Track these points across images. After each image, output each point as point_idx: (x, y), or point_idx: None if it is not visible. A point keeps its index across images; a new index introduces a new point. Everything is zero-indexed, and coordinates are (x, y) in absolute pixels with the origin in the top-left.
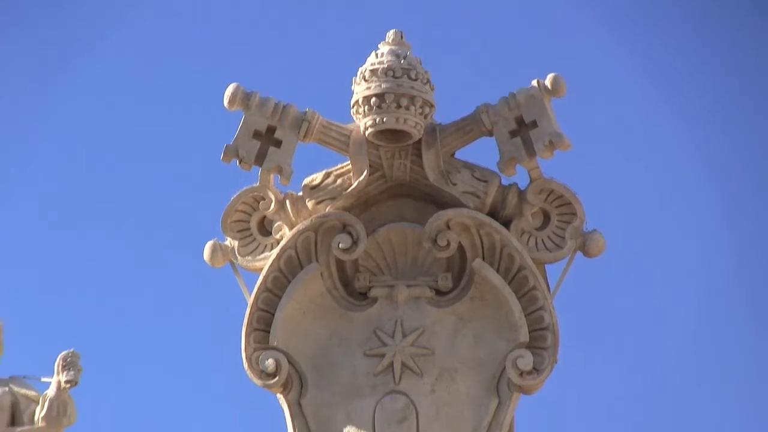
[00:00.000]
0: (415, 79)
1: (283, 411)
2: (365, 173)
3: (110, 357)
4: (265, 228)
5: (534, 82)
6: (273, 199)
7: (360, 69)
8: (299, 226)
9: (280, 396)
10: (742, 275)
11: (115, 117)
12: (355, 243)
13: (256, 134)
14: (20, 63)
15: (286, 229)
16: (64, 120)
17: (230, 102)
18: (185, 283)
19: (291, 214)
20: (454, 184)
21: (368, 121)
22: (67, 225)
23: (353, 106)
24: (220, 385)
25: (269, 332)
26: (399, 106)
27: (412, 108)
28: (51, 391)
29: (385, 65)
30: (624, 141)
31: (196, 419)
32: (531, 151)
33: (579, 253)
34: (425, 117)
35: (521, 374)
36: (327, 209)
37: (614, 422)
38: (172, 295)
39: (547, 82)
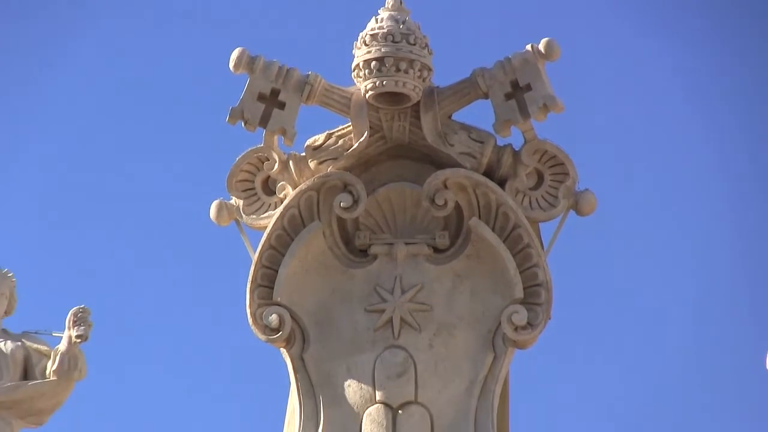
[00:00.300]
0: (414, 44)
1: (286, 366)
2: (365, 134)
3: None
4: (269, 187)
5: (528, 47)
6: (277, 159)
7: (360, 34)
8: (302, 186)
9: (283, 350)
10: (738, 234)
11: (115, 78)
12: (355, 202)
13: (261, 97)
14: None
15: (289, 188)
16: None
17: (236, 65)
18: (191, 244)
19: (294, 174)
20: (452, 145)
21: (368, 84)
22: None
23: (354, 70)
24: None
25: (273, 289)
26: (398, 70)
27: (411, 71)
28: (62, 346)
29: (385, 30)
30: (620, 104)
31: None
32: (525, 114)
33: (572, 212)
34: (423, 80)
35: (516, 329)
36: (329, 169)
37: (609, 364)
38: (176, 258)
39: (541, 47)
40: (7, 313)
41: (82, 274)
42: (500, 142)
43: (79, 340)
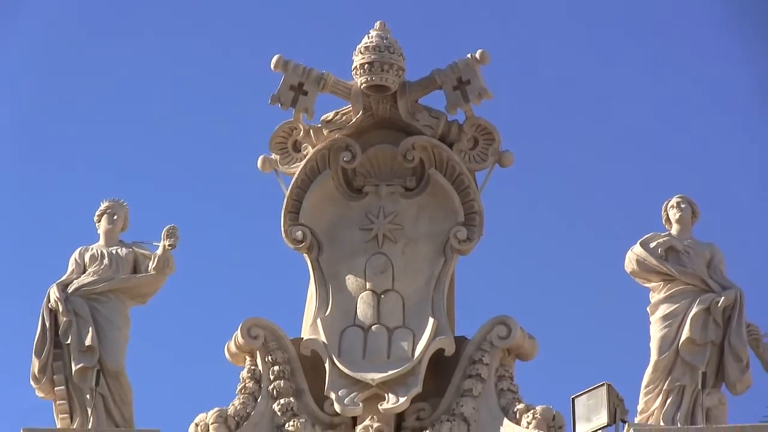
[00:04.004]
0: (393, 53)
1: (307, 267)
2: (360, 112)
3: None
4: (297, 147)
5: (469, 55)
6: (302, 129)
7: (358, 46)
8: (318, 146)
9: (305, 255)
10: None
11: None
12: (354, 157)
13: (292, 87)
14: None
15: (310, 148)
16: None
17: (275, 66)
18: (245, 185)
19: (313, 139)
20: (418, 120)
21: (363, 79)
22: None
23: (353, 70)
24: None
25: (299, 214)
26: (383, 70)
27: (391, 71)
28: (159, 251)
29: (374, 43)
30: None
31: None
32: (466, 100)
33: (497, 166)
34: (399, 77)
35: (459, 242)
36: (336, 136)
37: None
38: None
39: (477, 55)
40: (122, 229)
41: (171, 203)
42: (450, 119)
43: (170, 248)
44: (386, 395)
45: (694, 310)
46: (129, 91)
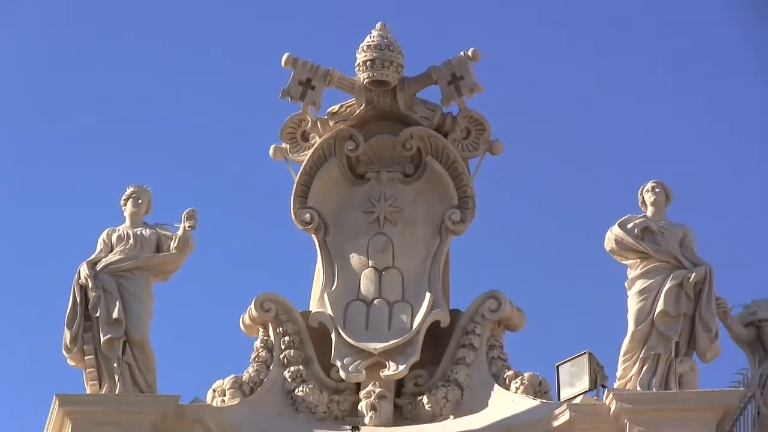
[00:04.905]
0: (393, 51)
1: (315, 247)
2: (363, 105)
3: None
4: (305, 137)
5: (462, 53)
6: (310, 120)
7: (361, 44)
8: (325, 136)
9: (313, 236)
10: None
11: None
12: (357, 146)
13: (300, 82)
14: None
15: (317, 138)
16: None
17: (285, 63)
18: (257, 172)
19: (320, 129)
20: (415, 112)
21: (365, 75)
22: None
23: (356, 66)
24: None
25: (307, 198)
26: (383, 66)
27: (391, 68)
28: (180, 232)
29: (375, 42)
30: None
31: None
32: (460, 93)
33: (488, 154)
34: (398, 73)
35: (453, 224)
36: (341, 126)
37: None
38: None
39: (470, 53)
40: (146, 212)
41: (191, 188)
42: (445, 111)
43: (189, 229)
44: (387, 363)
45: (668, 285)
46: (157, 87)
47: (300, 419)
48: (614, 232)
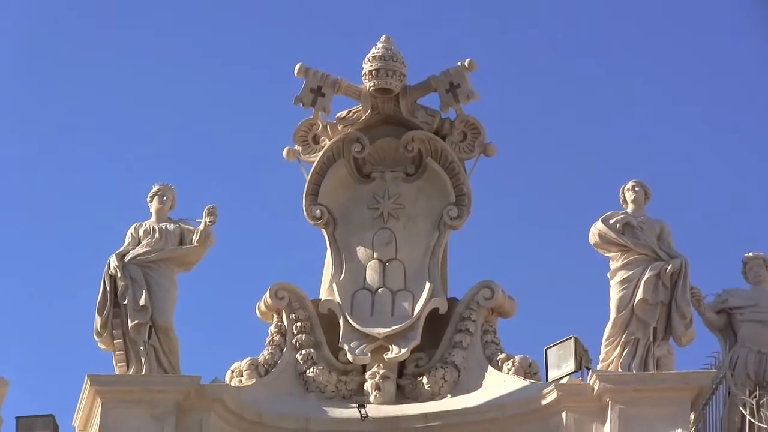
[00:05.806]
0: (396, 61)
1: (325, 240)
2: (369, 111)
3: None
4: (316, 140)
5: (459, 63)
6: (320, 124)
7: (367, 56)
8: (334, 139)
9: (323, 230)
10: None
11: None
12: (363, 148)
13: (312, 90)
14: None
15: (327, 140)
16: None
17: (298, 72)
18: (272, 171)
19: (330, 133)
20: (416, 117)
21: (371, 83)
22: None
23: (363, 75)
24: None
25: (317, 195)
26: (387, 75)
27: (394, 76)
28: (201, 226)
29: (380, 54)
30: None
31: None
32: (457, 100)
33: (482, 155)
34: (401, 81)
35: (451, 219)
36: (349, 130)
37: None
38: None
39: (466, 63)
40: (171, 208)
41: (212, 187)
42: (443, 116)
43: (210, 224)
44: (390, 347)
45: (647, 275)
46: (185, 97)
47: (310, 398)
48: (598, 227)
